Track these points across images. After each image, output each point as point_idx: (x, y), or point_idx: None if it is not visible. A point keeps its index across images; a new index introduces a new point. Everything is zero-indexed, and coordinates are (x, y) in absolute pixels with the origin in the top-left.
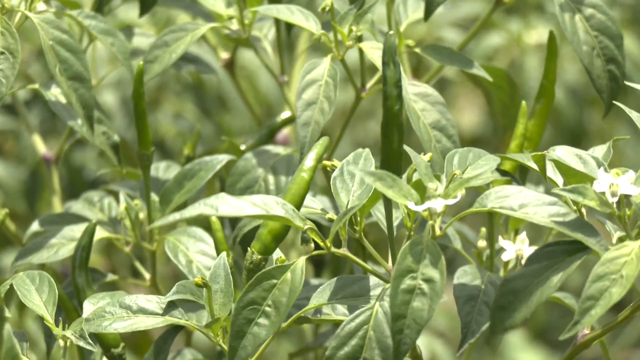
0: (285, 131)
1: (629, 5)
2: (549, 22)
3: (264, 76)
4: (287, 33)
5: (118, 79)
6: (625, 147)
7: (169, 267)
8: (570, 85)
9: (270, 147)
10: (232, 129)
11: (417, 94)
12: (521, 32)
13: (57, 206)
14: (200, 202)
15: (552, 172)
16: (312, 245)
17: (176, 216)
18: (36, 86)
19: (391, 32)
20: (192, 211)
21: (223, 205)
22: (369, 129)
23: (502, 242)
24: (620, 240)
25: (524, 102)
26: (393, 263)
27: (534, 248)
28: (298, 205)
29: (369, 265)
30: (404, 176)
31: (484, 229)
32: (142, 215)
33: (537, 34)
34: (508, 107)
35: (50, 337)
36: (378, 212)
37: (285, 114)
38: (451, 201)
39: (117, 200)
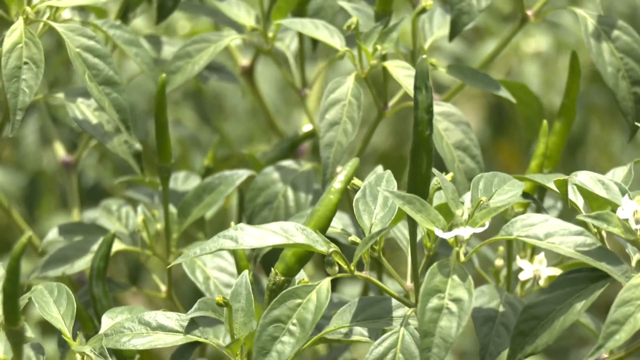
0: (304, 143)
1: (625, 14)
2: (547, 30)
3: (267, 85)
4: (312, 47)
5: (131, 84)
6: (621, 154)
7: (177, 275)
8: None
9: (290, 162)
10: (232, 137)
11: (440, 114)
12: (519, 41)
13: (76, 214)
14: (220, 235)
15: (572, 193)
16: (337, 268)
17: (197, 252)
18: (61, 95)
19: (424, 57)
20: (212, 245)
21: (244, 236)
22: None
23: (519, 261)
24: None
25: (545, 122)
26: (414, 283)
27: (551, 268)
28: (324, 227)
29: (385, 281)
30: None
31: (501, 248)
32: (159, 226)
33: (535, 42)
34: (533, 122)
35: (63, 347)
36: (397, 231)
37: (307, 127)
38: (479, 229)
39: (135, 208)
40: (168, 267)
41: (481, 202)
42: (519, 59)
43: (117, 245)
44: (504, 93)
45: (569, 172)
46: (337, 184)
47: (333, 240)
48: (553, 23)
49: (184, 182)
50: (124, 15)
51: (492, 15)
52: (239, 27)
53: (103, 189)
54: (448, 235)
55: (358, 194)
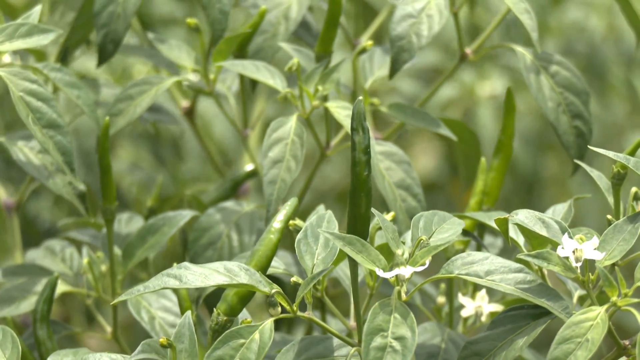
0: (247, 183)
1: (583, 54)
2: (502, 73)
3: (219, 124)
4: (252, 88)
5: (75, 127)
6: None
7: (125, 314)
8: (523, 134)
9: (233, 203)
10: (187, 178)
11: (382, 153)
12: (474, 83)
13: (18, 256)
14: (163, 274)
15: (513, 231)
16: (279, 309)
17: (140, 289)
18: (2, 138)
19: (360, 98)
20: (155, 283)
21: (187, 275)
22: (325, 174)
23: (461, 298)
24: (582, 299)
25: (483, 159)
26: (357, 322)
27: (493, 305)
28: (265, 267)
29: (329, 320)
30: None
31: (443, 285)
32: (104, 267)
33: (491, 84)
34: (471, 160)
35: None
36: (340, 271)
37: (249, 167)
38: (419, 268)
39: (79, 249)
40: (112, 304)
41: (421, 241)
42: (474, 102)
43: (61, 287)
44: (443, 130)
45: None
46: (277, 223)
47: (276, 279)
48: (507, 66)
49: (127, 223)
50: (63, 58)
51: (448, 55)
52: (180, 70)
53: (59, 231)
54: (389, 275)
55: (300, 235)
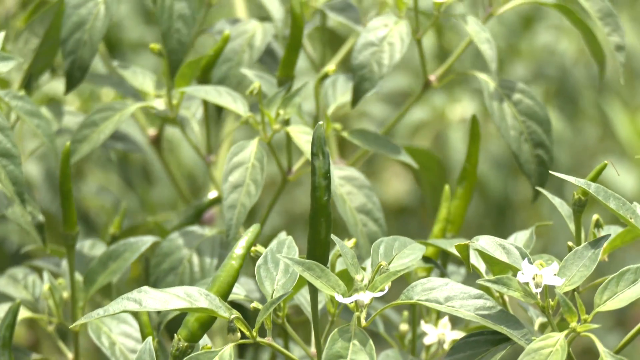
0: (212, 210)
1: (554, 77)
2: (473, 96)
3: (188, 150)
4: (216, 114)
5: (42, 151)
6: (550, 215)
7: (88, 340)
8: (494, 157)
9: (195, 228)
10: (156, 202)
11: (343, 178)
12: (445, 107)
13: None
14: (123, 297)
15: (475, 258)
16: (239, 334)
17: (100, 312)
18: None
19: (320, 123)
20: (115, 307)
21: (147, 299)
22: (295, 197)
23: (424, 326)
24: (543, 326)
25: (447, 187)
26: (317, 348)
27: (456, 332)
28: (226, 293)
29: (291, 347)
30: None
31: (406, 313)
32: (65, 294)
33: (461, 107)
34: (436, 188)
35: None
36: (301, 297)
37: (212, 194)
38: (378, 294)
39: (42, 277)
40: (71, 327)
41: (381, 267)
42: (445, 125)
43: (23, 313)
44: (404, 158)
45: (498, 235)
46: (239, 249)
47: (239, 306)
48: (478, 89)
49: (90, 249)
50: (28, 85)
51: (417, 79)
52: (146, 97)
53: (28, 256)
54: (348, 301)
55: (260, 260)
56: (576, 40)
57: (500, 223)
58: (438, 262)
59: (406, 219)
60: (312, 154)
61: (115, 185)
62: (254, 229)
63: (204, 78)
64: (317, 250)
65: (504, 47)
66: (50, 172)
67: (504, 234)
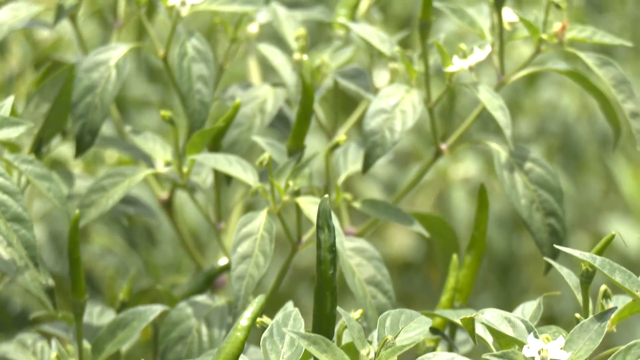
0: (223, 275)
1: (558, 133)
2: (476, 156)
3: (192, 210)
4: (227, 181)
5: (46, 212)
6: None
7: None
8: (499, 214)
9: (204, 297)
10: (159, 263)
11: (353, 249)
12: (448, 166)
13: None
14: None
15: (482, 329)
16: None
17: None
18: None
19: (326, 196)
20: None
21: None
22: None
23: None
24: None
25: (455, 256)
26: None
27: None
28: None
29: None
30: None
31: None
32: None
33: (464, 167)
34: (448, 254)
35: None
36: None
37: (223, 261)
38: None
39: (50, 343)
40: None
41: (387, 341)
42: (447, 185)
43: None
44: (417, 228)
45: (499, 293)
46: (244, 321)
47: None
48: (483, 149)
49: (99, 316)
50: (38, 149)
51: (422, 138)
52: (155, 162)
53: (30, 316)
54: None
55: (266, 333)
56: (579, 96)
57: (505, 278)
58: (446, 334)
59: (411, 276)
60: (318, 227)
61: (119, 246)
62: (259, 299)
63: (215, 145)
64: (323, 324)
65: (508, 104)
66: (55, 233)
67: (509, 291)
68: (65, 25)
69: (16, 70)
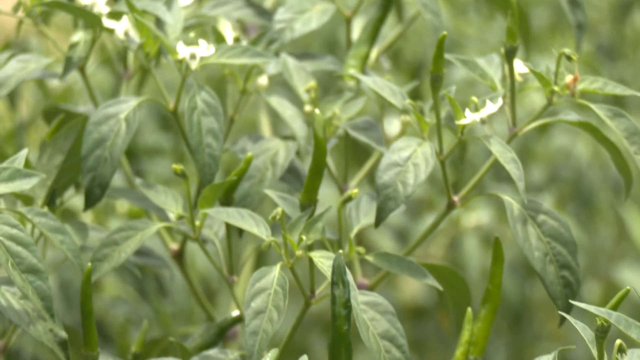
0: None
1: (570, 179)
2: (488, 204)
3: (206, 261)
4: (239, 233)
5: (56, 261)
6: None
7: None
8: (511, 261)
9: (216, 351)
10: (170, 312)
11: (366, 303)
12: (460, 214)
13: None
14: None
15: None
16: None
17: None
18: None
19: (340, 252)
20: None
21: None
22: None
23: None
24: None
25: (469, 309)
26: None
27: None
28: None
29: None
30: None
31: None
32: None
33: (476, 215)
34: (460, 305)
35: None
36: None
37: (235, 313)
38: None
39: None
40: None
41: None
42: (459, 232)
43: None
44: (430, 281)
45: (511, 340)
46: None
47: None
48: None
49: None
50: (51, 201)
51: (434, 186)
52: (166, 214)
53: None
54: None
55: None
56: (592, 143)
57: (518, 325)
58: None
59: (423, 321)
60: (333, 283)
61: (130, 294)
62: (272, 354)
63: (227, 198)
64: None
65: (520, 151)
66: (65, 282)
67: (521, 338)
68: (75, 73)
69: (27, 118)
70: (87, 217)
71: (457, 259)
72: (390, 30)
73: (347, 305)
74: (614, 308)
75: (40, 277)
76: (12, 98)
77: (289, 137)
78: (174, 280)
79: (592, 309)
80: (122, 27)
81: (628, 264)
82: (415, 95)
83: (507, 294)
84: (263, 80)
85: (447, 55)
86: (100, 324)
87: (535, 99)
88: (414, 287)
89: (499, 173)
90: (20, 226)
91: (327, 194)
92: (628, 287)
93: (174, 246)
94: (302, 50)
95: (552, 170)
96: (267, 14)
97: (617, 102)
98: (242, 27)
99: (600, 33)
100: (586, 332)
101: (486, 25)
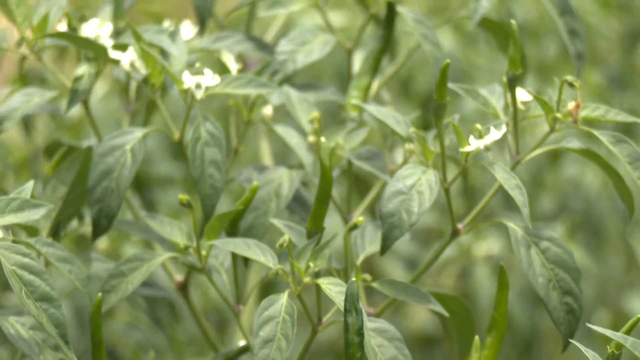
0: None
1: (579, 209)
2: (499, 233)
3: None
4: (245, 263)
5: (69, 288)
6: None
7: None
8: (520, 290)
9: None
10: (183, 339)
11: (374, 330)
12: (471, 243)
13: None
14: None
15: None
16: None
17: None
18: None
19: (353, 280)
20: None
21: None
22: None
23: None
24: None
25: (477, 337)
26: None
27: None
28: None
29: None
30: None
31: None
32: None
33: (487, 245)
34: (464, 334)
35: None
36: None
37: (241, 343)
38: None
39: None
40: None
41: None
42: (470, 261)
43: None
44: (436, 307)
45: None
46: None
47: None
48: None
49: None
50: (56, 233)
51: (443, 214)
52: (172, 245)
53: None
54: None
55: None
56: (600, 173)
57: (527, 355)
58: None
59: (431, 351)
60: (345, 310)
61: (142, 322)
62: None
63: (233, 228)
64: None
65: (530, 181)
66: (79, 309)
67: None
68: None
69: (41, 149)
70: (103, 244)
71: (467, 288)
72: (388, 65)
73: (360, 332)
74: (627, 333)
75: (54, 304)
76: (27, 128)
77: (293, 167)
78: (185, 306)
79: (608, 332)
80: (128, 58)
81: (637, 293)
82: (425, 125)
83: (516, 322)
84: (268, 110)
85: (450, 85)
86: (112, 351)
87: (545, 128)
88: (423, 317)
89: (509, 202)
90: (31, 255)
91: (331, 224)
92: (638, 316)
93: (179, 277)
94: (314, 79)
95: (562, 200)
96: (267, 48)
97: (627, 131)
98: (243, 61)
99: (610, 63)
100: None
101: (496, 55)
